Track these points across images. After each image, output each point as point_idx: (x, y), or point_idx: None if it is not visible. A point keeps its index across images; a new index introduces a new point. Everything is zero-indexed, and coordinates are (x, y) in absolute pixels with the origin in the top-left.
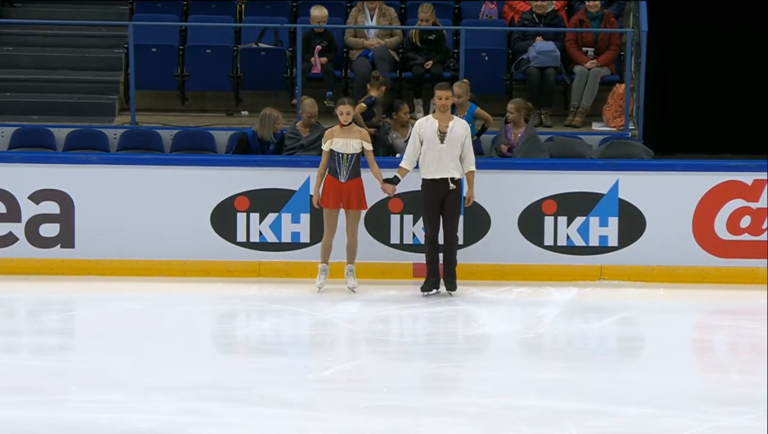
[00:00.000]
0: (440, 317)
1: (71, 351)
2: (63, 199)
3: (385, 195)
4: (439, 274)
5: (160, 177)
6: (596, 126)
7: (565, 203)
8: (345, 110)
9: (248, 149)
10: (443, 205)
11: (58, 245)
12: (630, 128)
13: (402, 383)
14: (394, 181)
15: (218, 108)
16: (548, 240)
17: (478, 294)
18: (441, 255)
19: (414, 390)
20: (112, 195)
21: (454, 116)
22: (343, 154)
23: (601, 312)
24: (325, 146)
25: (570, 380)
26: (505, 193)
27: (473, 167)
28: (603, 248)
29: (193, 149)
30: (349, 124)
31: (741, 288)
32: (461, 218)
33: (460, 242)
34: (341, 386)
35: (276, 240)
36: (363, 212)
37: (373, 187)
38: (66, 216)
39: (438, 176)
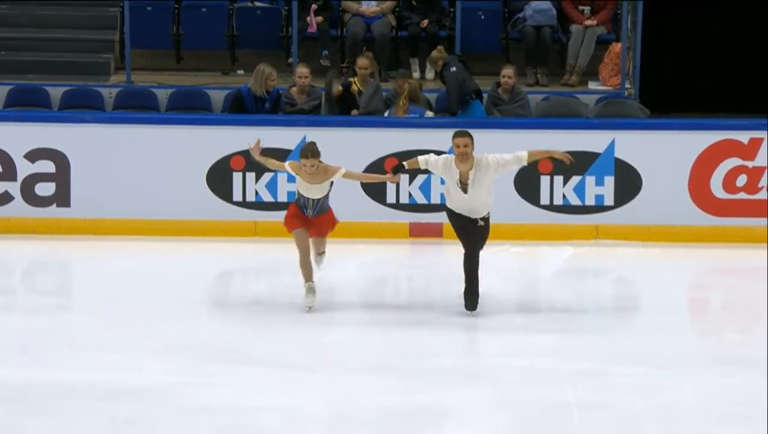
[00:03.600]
0: (437, 279)
1: (67, 310)
2: (58, 158)
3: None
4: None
5: (156, 136)
6: (592, 85)
7: (561, 163)
8: (309, 163)
9: (243, 105)
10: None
11: (54, 204)
12: (626, 87)
13: (398, 344)
14: (401, 169)
15: (214, 67)
16: (544, 200)
17: None
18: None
19: (410, 351)
20: (108, 154)
21: (475, 159)
22: (308, 199)
23: (597, 272)
24: (288, 169)
25: (567, 340)
26: (502, 152)
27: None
28: (599, 208)
29: (189, 108)
30: (315, 168)
31: (737, 247)
32: None
33: None
34: (336, 346)
35: (272, 199)
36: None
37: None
38: (61, 175)
39: (464, 215)
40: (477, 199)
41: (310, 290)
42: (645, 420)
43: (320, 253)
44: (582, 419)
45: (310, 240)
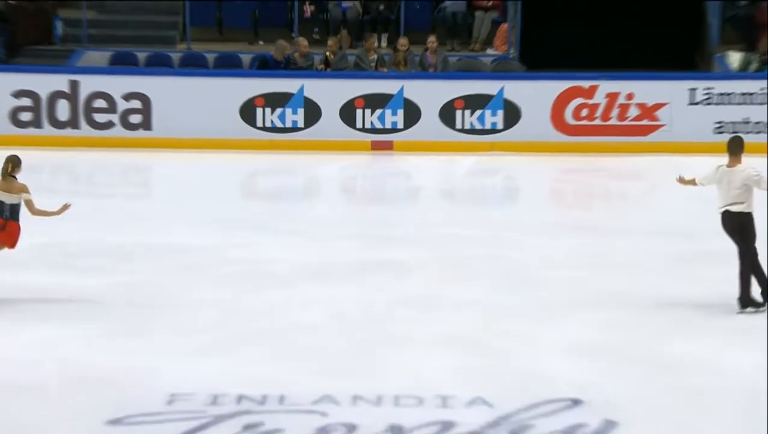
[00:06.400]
0: (389, 174)
1: (142, 198)
2: (144, 98)
3: None
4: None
5: (206, 84)
6: (489, 51)
7: (469, 101)
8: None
9: (267, 65)
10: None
11: (141, 129)
12: (511, 52)
13: (363, 219)
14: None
15: (242, 39)
16: (459, 125)
17: (414, 161)
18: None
19: (371, 224)
20: (178, 94)
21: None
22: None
23: (493, 171)
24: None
25: (474, 214)
26: (432, 94)
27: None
28: (494, 130)
29: (227, 66)
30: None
31: (583, 156)
32: (401, 112)
33: (401, 126)
34: (321, 221)
35: (282, 126)
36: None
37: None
38: (146, 109)
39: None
40: (732, 185)
41: None
42: (527, 267)
43: None
44: (484, 267)
45: None
